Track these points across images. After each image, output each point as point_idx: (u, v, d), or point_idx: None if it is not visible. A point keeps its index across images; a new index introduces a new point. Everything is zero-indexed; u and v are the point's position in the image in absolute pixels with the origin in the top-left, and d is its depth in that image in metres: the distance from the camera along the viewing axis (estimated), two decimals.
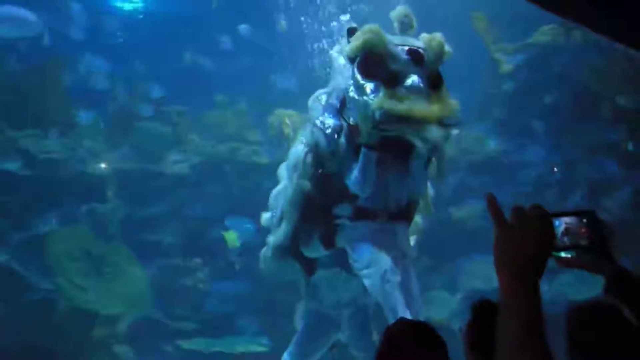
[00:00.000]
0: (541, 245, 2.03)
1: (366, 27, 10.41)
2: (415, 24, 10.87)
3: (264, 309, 16.05)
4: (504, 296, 2.05)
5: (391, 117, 9.80)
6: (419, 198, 10.90)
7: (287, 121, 19.98)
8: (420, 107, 9.91)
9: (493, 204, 2.14)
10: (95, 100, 19.08)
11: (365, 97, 10.10)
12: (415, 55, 10.20)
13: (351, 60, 10.40)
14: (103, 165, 18.18)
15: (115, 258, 16.89)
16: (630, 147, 17.15)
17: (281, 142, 19.76)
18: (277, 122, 20.00)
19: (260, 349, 16.84)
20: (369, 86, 10.19)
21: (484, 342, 3.70)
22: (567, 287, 15.13)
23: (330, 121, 10.78)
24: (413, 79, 10.05)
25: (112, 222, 17.59)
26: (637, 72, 16.56)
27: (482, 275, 16.86)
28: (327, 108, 10.99)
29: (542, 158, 18.68)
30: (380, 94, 9.90)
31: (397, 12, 10.92)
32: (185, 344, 16.95)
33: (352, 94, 10.40)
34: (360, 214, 10.43)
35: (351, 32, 10.80)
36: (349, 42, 10.64)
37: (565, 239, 2.15)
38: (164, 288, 17.47)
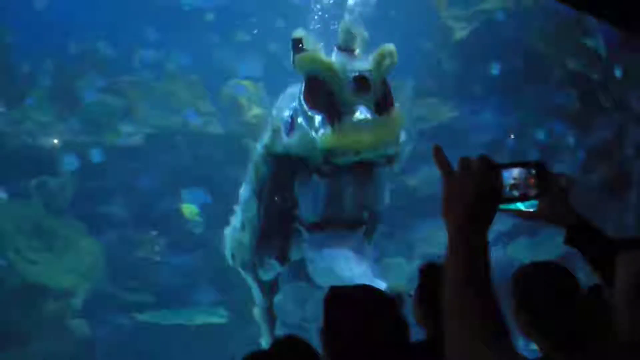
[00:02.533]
0: (487, 194, 2.02)
1: (309, 54, 10.41)
2: (359, 37, 10.86)
3: (221, 281, 15.97)
4: (450, 244, 2.04)
5: (339, 152, 9.88)
6: (378, 206, 10.98)
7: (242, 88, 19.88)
8: (367, 138, 9.96)
9: (439, 154, 2.12)
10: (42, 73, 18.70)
11: (313, 131, 10.11)
12: (361, 83, 10.18)
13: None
14: (55, 141, 17.86)
15: (66, 231, 16.70)
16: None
17: (234, 113, 19.67)
18: (231, 92, 19.91)
19: (218, 320, 16.82)
20: (316, 118, 10.19)
21: (431, 298, 3.75)
22: (522, 251, 15.33)
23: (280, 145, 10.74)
24: (360, 112, 10.03)
25: (63, 195, 17.31)
26: (585, 35, 16.70)
27: (437, 241, 17.00)
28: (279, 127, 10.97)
29: (494, 123, 18.81)
30: (328, 131, 9.91)
31: (342, 26, 10.91)
32: (141, 316, 16.84)
33: (300, 120, 10.38)
34: (316, 227, 10.50)
35: (296, 43, 10.74)
36: (294, 53, 10.61)
37: (514, 189, 2.13)
38: (118, 261, 17.30)
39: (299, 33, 11.04)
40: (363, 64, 10.57)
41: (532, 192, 2.15)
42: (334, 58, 10.70)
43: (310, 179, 10.48)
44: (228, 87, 19.95)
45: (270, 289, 11.53)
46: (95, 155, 17.72)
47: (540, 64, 17.90)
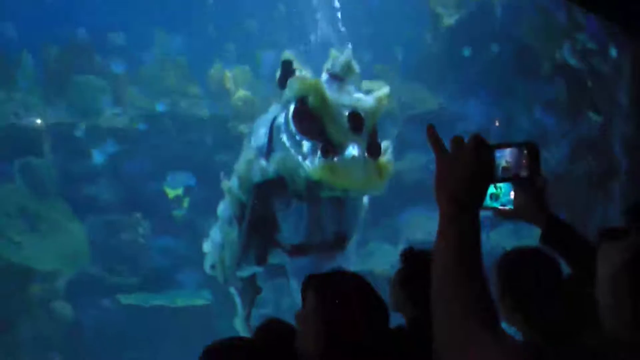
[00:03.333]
0: (478, 173, 2.04)
1: (306, 80, 10.36)
2: (356, 70, 10.87)
3: (203, 263, 15.93)
4: (442, 222, 2.05)
5: (326, 187, 9.87)
6: (354, 229, 11.01)
7: (229, 74, 19.85)
8: (358, 179, 9.95)
9: (432, 133, 2.12)
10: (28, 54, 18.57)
11: (300, 158, 10.05)
12: (356, 121, 10.14)
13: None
14: (38, 121, 17.75)
15: (51, 213, 16.62)
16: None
17: (222, 96, 19.63)
18: (218, 75, 19.87)
19: (201, 302, 16.84)
20: (305, 144, 10.12)
21: (411, 283, 3.76)
22: (505, 238, 15.37)
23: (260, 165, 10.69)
24: (352, 151, 10.02)
25: (48, 177, 17.22)
26: (575, 28, 16.72)
27: (423, 227, 17.04)
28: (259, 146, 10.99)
29: (481, 112, 18.85)
30: (317, 162, 9.87)
31: (341, 63, 10.81)
32: (125, 299, 16.83)
33: (284, 139, 10.32)
34: (298, 250, 10.49)
35: (286, 65, 10.70)
36: (283, 76, 10.55)
37: (506, 169, 2.16)
38: (103, 243, 17.26)
39: (288, 55, 11.03)
40: (357, 98, 10.57)
41: (524, 172, 2.16)
42: (325, 84, 10.69)
43: (290, 203, 10.48)
44: (215, 70, 19.91)
45: (250, 300, 11.56)
46: (97, 156, 17.81)
47: (529, 54, 17.93)
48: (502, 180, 2.17)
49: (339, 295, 3.18)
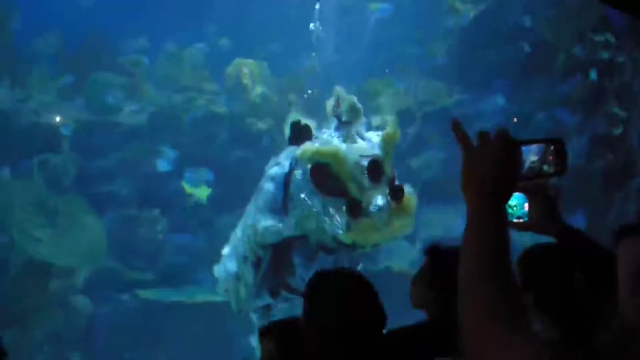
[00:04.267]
0: (506, 167, 2.02)
1: (317, 150, 10.42)
2: (361, 112, 10.97)
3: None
4: (469, 220, 2.01)
5: (358, 246, 10.00)
6: None
7: (246, 70, 19.86)
8: (388, 230, 10.05)
9: (458, 128, 2.09)
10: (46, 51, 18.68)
11: (325, 217, 10.14)
12: (375, 173, 10.23)
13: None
14: (57, 118, 17.84)
15: (70, 209, 16.72)
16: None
17: (239, 92, 19.65)
18: (235, 72, 19.88)
19: (220, 298, 16.86)
20: (328, 203, 10.34)
21: (435, 280, 3.78)
22: (525, 235, 15.31)
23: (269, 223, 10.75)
24: (377, 202, 10.18)
25: (67, 173, 17.32)
26: (589, 24, 16.64)
27: (440, 224, 17.01)
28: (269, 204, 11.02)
29: (498, 109, 18.77)
30: (345, 222, 10.04)
31: (347, 107, 10.88)
32: (143, 294, 16.90)
33: (304, 197, 10.41)
34: None
35: (295, 127, 10.78)
36: (292, 136, 10.59)
37: (533, 165, 2.15)
38: (121, 239, 17.34)
39: (294, 116, 11.13)
40: (369, 146, 10.65)
41: (550, 169, 2.16)
42: (334, 131, 10.86)
43: (315, 256, 10.59)
44: (233, 67, 19.92)
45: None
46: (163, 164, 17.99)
47: (547, 50, 17.85)
48: (529, 176, 2.15)
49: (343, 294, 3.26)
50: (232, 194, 17.94)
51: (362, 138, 10.91)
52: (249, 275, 11.11)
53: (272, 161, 11.69)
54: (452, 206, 16.22)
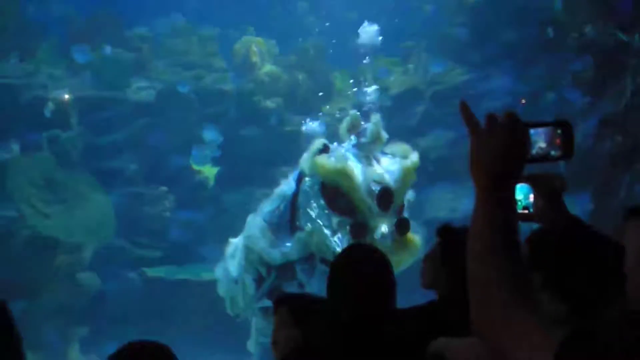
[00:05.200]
0: (514, 149, 2.03)
1: (335, 164, 10.43)
2: (384, 139, 10.97)
3: (228, 237, 16.01)
4: (477, 201, 2.03)
5: None
6: None
7: (254, 48, 19.82)
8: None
9: (466, 110, 2.10)
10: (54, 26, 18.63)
11: (328, 232, 10.27)
12: (385, 201, 10.27)
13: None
14: (65, 95, 17.83)
15: (78, 185, 16.75)
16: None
17: (247, 70, 19.62)
18: (244, 49, 19.83)
19: None
20: (334, 220, 10.31)
21: (446, 260, 3.82)
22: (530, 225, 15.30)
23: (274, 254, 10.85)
24: (382, 231, 10.24)
25: (75, 149, 17.35)
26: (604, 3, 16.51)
27: (447, 204, 17.02)
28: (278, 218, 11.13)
29: (507, 88, 18.70)
30: (346, 241, 10.04)
31: (370, 129, 10.89)
32: (150, 271, 16.97)
33: (311, 211, 10.49)
34: None
35: (323, 150, 10.80)
36: (315, 155, 10.66)
37: (540, 148, 2.15)
38: (128, 216, 17.38)
39: (320, 143, 11.14)
40: (385, 172, 10.68)
41: (557, 152, 2.16)
42: (351, 148, 10.89)
43: (315, 269, 10.65)
44: (241, 44, 19.88)
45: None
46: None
47: (557, 28, 17.74)
48: (536, 159, 2.15)
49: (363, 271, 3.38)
50: (239, 172, 18.00)
51: (379, 162, 10.93)
52: (250, 287, 11.23)
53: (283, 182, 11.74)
54: (459, 185, 16.22)
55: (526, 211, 2.86)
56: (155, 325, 15.62)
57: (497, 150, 2.02)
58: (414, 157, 11.10)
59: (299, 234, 10.64)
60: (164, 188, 18.02)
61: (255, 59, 19.61)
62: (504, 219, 1.99)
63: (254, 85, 19.21)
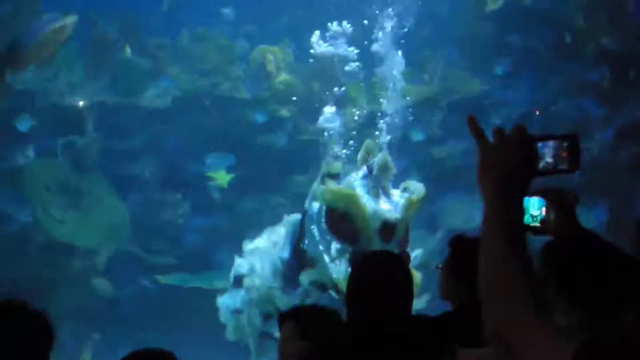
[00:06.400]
0: (523, 163, 2.07)
1: (342, 190, 10.64)
2: (393, 170, 11.14)
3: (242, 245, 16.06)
4: (485, 213, 2.07)
5: None
6: None
7: (270, 57, 19.85)
8: None
9: (473, 124, 2.14)
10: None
11: (328, 259, 10.50)
12: (387, 233, 10.47)
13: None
14: (81, 101, 17.90)
15: (93, 191, 16.82)
16: None
17: (263, 79, 19.64)
18: (260, 58, 19.86)
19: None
20: (334, 246, 10.51)
21: (460, 271, 3.82)
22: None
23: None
24: None
25: (90, 154, 17.41)
26: (622, 13, 16.45)
27: (461, 214, 16.96)
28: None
29: (524, 97, 18.63)
30: (345, 270, 10.12)
31: (378, 157, 11.10)
32: (163, 279, 16.99)
33: (315, 232, 10.68)
34: None
35: (331, 177, 10.96)
36: (322, 182, 10.90)
37: (548, 161, 2.17)
38: (143, 222, 17.43)
39: (335, 168, 11.32)
40: (390, 207, 10.79)
41: (565, 165, 2.17)
42: (361, 179, 11.05)
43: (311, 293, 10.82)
44: (257, 53, 19.89)
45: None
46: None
47: (574, 38, 17.67)
48: (544, 172, 2.17)
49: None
50: (254, 178, 18.01)
51: (387, 195, 11.02)
52: (257, 320, 11.38)
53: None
54: (473, 196, 16.15)
55: (538, 224, 2.86)
56: (168, 331, 15.65)
57: (505, 164, 2.06)
58: (421, 190, 11.15)
59: (305, 277, 10.77)
60: (179, 194, 18.06)
61: (270, 67, 19.63)
62: (511, 230, 2.02)
63: (270, 94, 19.23)
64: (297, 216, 12.08)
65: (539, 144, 2.15)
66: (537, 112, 18.17)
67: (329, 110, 13.59)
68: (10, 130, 16.55)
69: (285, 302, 10.84)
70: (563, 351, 1.82)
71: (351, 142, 13.91)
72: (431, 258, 15.02)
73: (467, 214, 16.59)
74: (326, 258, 10.63)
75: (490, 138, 2.11)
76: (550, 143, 2.17)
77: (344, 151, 13.16)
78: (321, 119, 13.44)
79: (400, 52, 13.84)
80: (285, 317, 3.77)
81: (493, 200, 2.05)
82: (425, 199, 11.40)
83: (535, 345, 1.88)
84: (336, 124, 13.39)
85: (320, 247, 10.70)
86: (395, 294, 3.51)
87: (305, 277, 10.79)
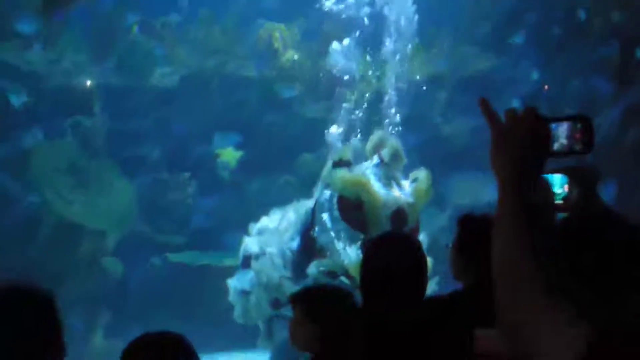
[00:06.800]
0: (535, 144, 2.06)
1: (354, 177, 10.70)
2: (404, 160, 11.28)
3: (248, 224, 16.09)
4: (500, 196, 2.07)
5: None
6: None
7: (277, 34, 19.78)
8: None
9: (486, 106, 2.14)
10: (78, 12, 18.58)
11: (339, 248, 10.57)
12: (398, 221, 10.52)
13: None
14: (88, 82, 17.89)
15: (101, 172, 16.83)
16: None
17: (270, 57, 19.58)
18: (266, 36, 19.80)
19: None
20: (347, 233, 10.66)
21: (470, 250, 3.82)
22: None
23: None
24: None
25: (98, 136, 17.41)
26: None
27: (470, 191, 16.94)
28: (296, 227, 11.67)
29: (532, 75, 18.55)
30: (355, 255, 10.29)
31: (390, 147, 11.23)
32: (174, 257, 17.04)
33: (326, 219, 10.77)
34: None
35: (336, 164, 11.17)
36: (332, 169, 11.06)
37: (561, 142, 2.17)
38: (151, 202, 17.46)
39: (345, 153, 11.38)
40: (401, 194, 10.87)
41: (578, 146, 2.17)
42: (372, 167, 11.12)
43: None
44: (264, 31, 19.82)
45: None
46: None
47: (583, 14, 17.54)
48: (557, 154, 2.17)
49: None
50: (262, 158, 18.01)
51: (398, 184, 11.12)
52: (265, 305, 11.47)
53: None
54: (482, 173, 16.12)
55: (563, 202, 2.86)
56: (179, 310, 15.73)
57: (518, 145, 2.05)
58: (426, 179, 11.23)
59: (314, 266, 10.79)
60: (187, 174, 18.08)
61: (277, 45, 19.57)
62: (526, 212, 2.02)
63: (276, 72, 19.19)
64: (306, 203, 12.12)
65: (553, 125, 2.14)
66: (546, 88, 18.09)
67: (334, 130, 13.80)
68: (17, 112, 16.57)
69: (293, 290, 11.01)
70: (572, 337, 1.80)
71: (358, 120, 13.92)
72: (440, 236, 15.05)
73: (476, 191, 16.56)
74: (337, 245, 10.70)
75: (502, 118, 2.10)
76: (564, 124, 2.16)
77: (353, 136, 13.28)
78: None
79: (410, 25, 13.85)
80: (295, 299, 3.79)
81: (507, 182, 2.04)
82: (433, 184, 11.49)
83: (543, 330, 1.88)
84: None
85: (332, 234, 10.78)
86: (409, 276, 3.53)
87: (314, 266, 10.85)
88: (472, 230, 3.89)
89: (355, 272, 10.21)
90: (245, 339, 13.94)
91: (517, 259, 1.97)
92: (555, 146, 2.15)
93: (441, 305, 3.66)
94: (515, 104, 16.88)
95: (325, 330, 3.51)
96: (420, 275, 3.60)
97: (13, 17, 16.96)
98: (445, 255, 4.06)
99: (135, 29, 18.86)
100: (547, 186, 2.69)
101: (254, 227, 12.91)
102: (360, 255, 10.47)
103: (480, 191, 16.05)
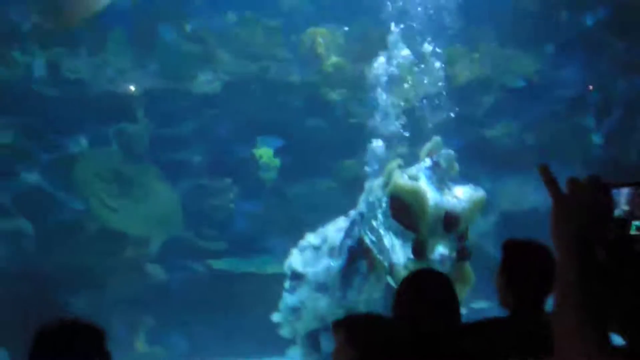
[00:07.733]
0: (597, 214, 2.08)
1: (409, 185, 10.75)
2: (457, 169, 11.40)
3: (293, 229, 16.03)
4: (560, 265, 2.08)
5: None
6: None
7: (320, 39, 19.73)
8: None
9: (547, 175, 2.13)
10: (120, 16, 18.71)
11: (389, 249, 10.74)
12: (450, 223, 10.63)
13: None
14: (132, 88, 17.99)
15: (144, 178, 16.93)
16: None
17: (313, 61, 19.53)
18: (310, 40, 19.76)
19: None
20: (399, 230, 10.80)
21: (515, 276, 3.77)
22: None
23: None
24: (441, 253, 10.65)
25: (141, 142, 17.51)
26: None
27: (512, 195, 16.74)
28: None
29: (578, 77, 18.26)
30: (406, 259, 10.34)
31: (445, 157, 11.38)
32: (216, 264, 17.07)
33: (379, 216, 10.88)
34: None
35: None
36: (387, 180, 11.05)
37: (622, 208, 2.16)
38: (194, 208, 17.49)
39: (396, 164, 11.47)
40: (454, 200, 10.96)
41: (638, 213, 2.15)
42: (425, 169, 11.21)
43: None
44: (307, 35, 19.79)
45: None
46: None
47: (629, 14, 17.24)
48: (619, 220, 2.16)
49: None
50: (304, 163, 17.96)
51: (449, 189, 11.22)
52: (309, 324, 11.62)
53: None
54: (524, 177, 15.92)
55: None
56: (219, 316, 15.75)
57: (581, 215, 2.07)
58: (482, 193, 11.37)
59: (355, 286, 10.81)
60: (228, 179, 18.09)
61: (320, 50, 19.52)
62: (588, 285, 2.03)
63: (320, 77, 19.14)
64: (353, 216, 12.13)
65: (614, 191, 2.15)
66: (591, 88, 17.83)
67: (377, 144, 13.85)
68: (63, 120, 16.73)
69: (339, 309, 11.11)
70: None
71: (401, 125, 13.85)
72: (484, 242, 14.84)
73: (519, 196, 16.36)
74: (386, 242, 10.76)
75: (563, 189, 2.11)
76: (625, 190, 2.16)
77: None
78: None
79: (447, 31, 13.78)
80: (337, 326, 3.79)
81: (567, 254, 2.05)
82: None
83: None
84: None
85: (381, 232, 10.85)
86: (440, 310, 3.63)
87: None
88: (515, 257, 3.86)
89: (401, 273, 10.20)
90: (280, 346, 13.89)
91: (577, 312, 1.99)
92: (616, 212, 2.15)
93: (491, 332, 3.64)
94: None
95: (365, 357, 3.49)
96: (450, 308, 3.70)
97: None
98: (487, 265, 4.04)
99: (177, 33, 18.93)
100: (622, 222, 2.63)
101: (301, 243, 13.05)
102: (409, 255, 10.48)
103: (522, 196, 15.86)
